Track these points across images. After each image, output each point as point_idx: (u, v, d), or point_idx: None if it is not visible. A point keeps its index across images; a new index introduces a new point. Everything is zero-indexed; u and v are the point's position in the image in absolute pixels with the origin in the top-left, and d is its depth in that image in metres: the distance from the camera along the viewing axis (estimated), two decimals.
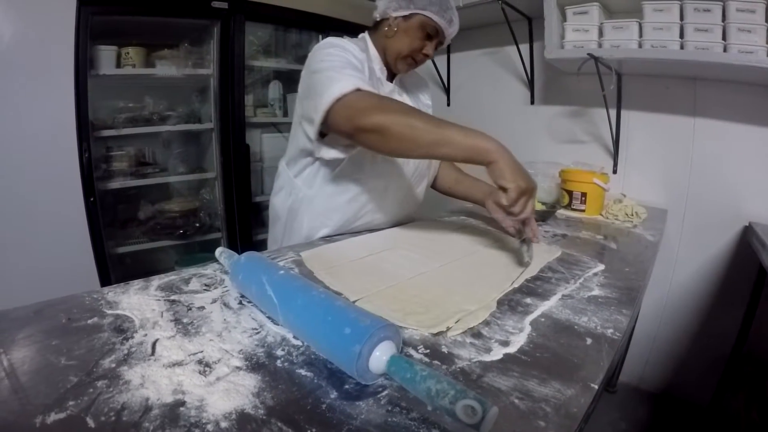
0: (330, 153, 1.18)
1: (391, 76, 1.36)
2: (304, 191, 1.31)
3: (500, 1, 2.11)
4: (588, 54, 1.84)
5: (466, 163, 0.99)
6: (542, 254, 1.13)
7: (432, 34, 1.26)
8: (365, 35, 1.34)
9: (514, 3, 2.17)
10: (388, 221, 1.39)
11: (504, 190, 0.95)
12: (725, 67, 1.66)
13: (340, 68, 1.09)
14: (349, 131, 1.04)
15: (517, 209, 0.97)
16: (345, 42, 1.22)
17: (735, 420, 1.72)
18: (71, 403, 0.50)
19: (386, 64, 1.32)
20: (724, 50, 1.64)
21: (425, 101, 1.50)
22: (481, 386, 0.56)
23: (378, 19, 1.30)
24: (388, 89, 1.33)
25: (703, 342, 2.10)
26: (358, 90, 1.04)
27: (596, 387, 0.57)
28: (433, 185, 1.60)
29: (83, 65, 1.95)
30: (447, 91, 2.93)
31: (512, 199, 0.94)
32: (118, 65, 2.26)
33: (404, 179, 1.36)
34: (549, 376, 0.58)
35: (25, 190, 1.89)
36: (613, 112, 2.14)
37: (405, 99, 1.37)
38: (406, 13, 1.23)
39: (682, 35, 1.72)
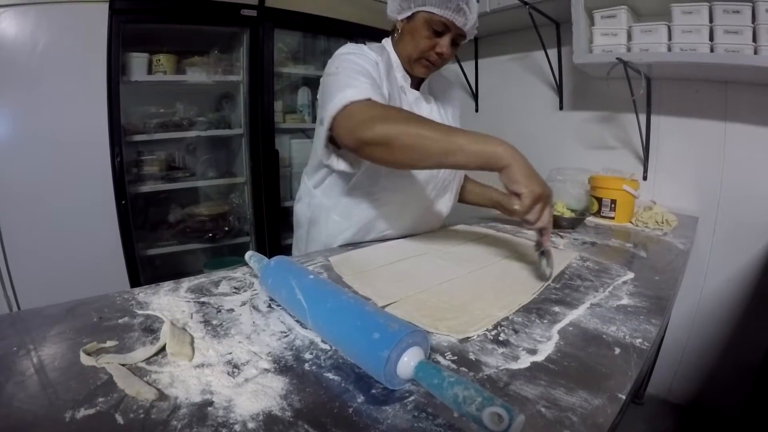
0: (340, 165, 1.14)
1: (417, 83, 1.31)
2: (323, 201, 1.30)
3: (528, 6, 2.10)
4: (617, 58, 1.81)
5: (479, 170, 0.91)
6: (558, 260, 1.11)
7: (439, 30, 1.15)
8: (385, 43, 1.30)
9: (542, 8, 2.16)
10: (406, 235, 1.36)
11: (517, 196, 0.88)
12: (756, 70, 1.62)
13: (352, 74, 1.06)
14: (352, 145, 0.99)
15: (533, 217, 0.90)
16: (365, 49, 1.20)
17: None
18: (101, 399, 0.51)
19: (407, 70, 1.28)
20: (755, 53, 1.60)
21: (454, 107, 1.44)
22: (507, 394, 0.56)
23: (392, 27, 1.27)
24: (413, 97, 1.28)
25: (733, 353, 2.04)
26: (367, 99, 0.99)
27: (623, 397, 0.56)
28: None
29: (115, 72, 2.00)
30: (475, 96, 2.91)
31: (526, 205, 0.87)
32: (150, 72, 2.30)
33: (423, 194, 1.31)
34: (576, 385, 0.58)
35: (59, 193, 1.95)
36: (642, 117, 2.10)
37: (432, 107, 1.33)
38: (409, 13, 1.18)
39: (711, 38, 1.68)
